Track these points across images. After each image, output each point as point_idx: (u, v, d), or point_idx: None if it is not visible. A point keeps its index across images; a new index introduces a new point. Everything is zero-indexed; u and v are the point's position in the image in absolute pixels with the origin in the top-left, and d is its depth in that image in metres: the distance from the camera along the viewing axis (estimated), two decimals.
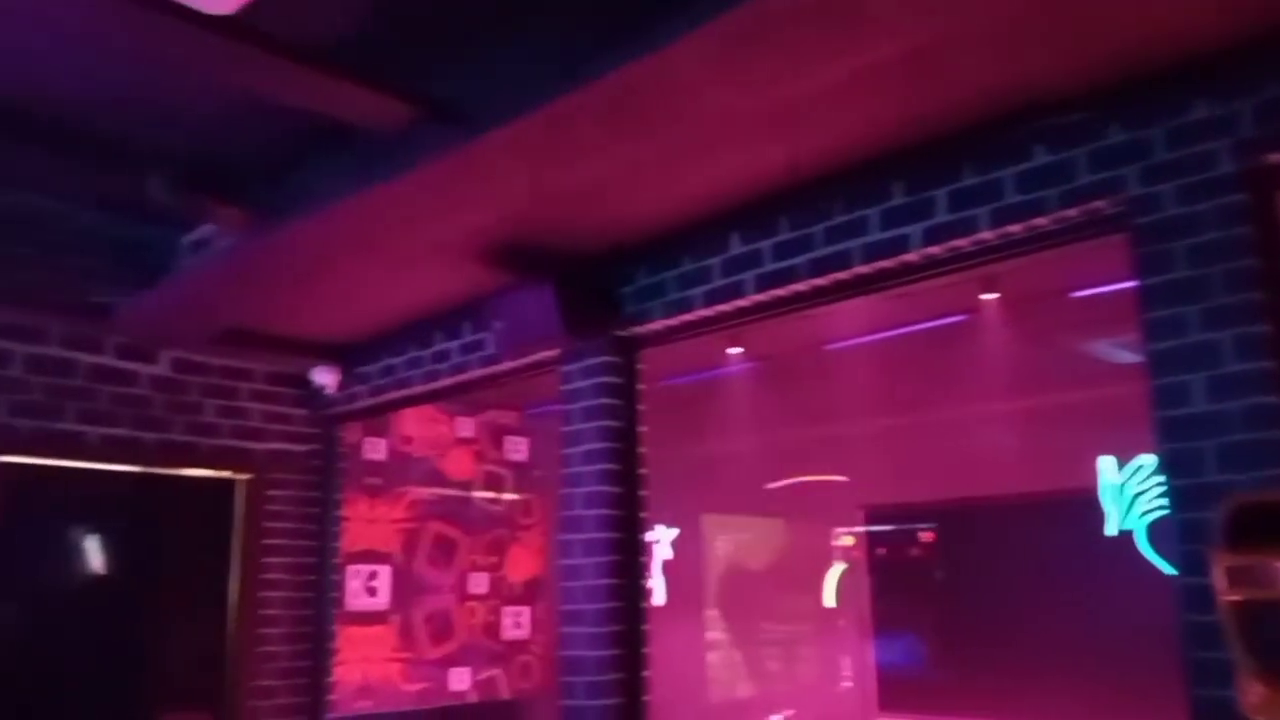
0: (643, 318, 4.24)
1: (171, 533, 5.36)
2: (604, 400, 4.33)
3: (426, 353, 5.29)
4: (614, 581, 4.18)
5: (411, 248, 4.16)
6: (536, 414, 6.89)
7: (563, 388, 4.50)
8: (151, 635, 5.19)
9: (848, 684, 7.56)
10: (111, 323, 4.76)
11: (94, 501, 5.08)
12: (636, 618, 4.22)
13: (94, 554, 5.05)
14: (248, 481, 5.47)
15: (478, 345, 5.01)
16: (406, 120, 3.29)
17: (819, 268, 3.66)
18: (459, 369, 5.11)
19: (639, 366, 4.44)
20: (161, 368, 5.14)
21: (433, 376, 5.27)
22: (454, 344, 5.15)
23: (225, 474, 5.43)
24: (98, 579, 5.04)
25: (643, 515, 4.34)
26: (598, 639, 4.12)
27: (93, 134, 4.05)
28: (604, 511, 4.23)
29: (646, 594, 4.31)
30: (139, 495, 5.22)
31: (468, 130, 3.15)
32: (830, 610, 7.79)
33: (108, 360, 4.95)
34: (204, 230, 4.75)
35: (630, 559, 4.25)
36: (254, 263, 4.24)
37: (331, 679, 5.61)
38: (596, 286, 4.31)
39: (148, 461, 5.11)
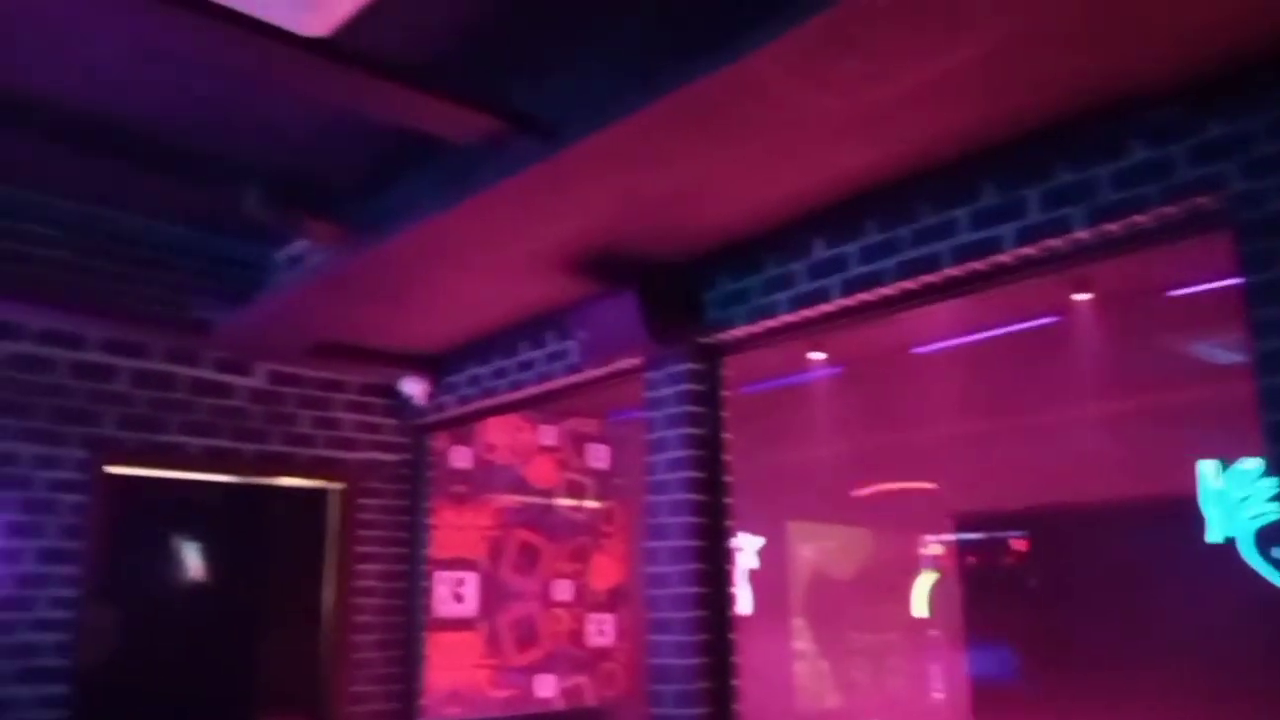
0: (726, 324, 4.23)
1: (268, 541, 5.54)
2: (688, 407, 4.33)
3: (511, 362, 5.37)
4: (700, 590, 4.17)
5: (497, 259, 4.23)
6: (617, 421, 6.93)
7: (646, 395, 4.52)
8: (250, 640, 5.36)
9: (938, 695, 7.41)
10: (210, 337, 4.95)
11: (195, 510, 5.28)
12: (724, 626, 4.21)
13: (195, 561, 5.24)
14: (341, 490, 5.61)
15: (561, 354, 5.06)
16: (493, 134, 3.35)
17: (907, 271, 3.61)
18: (544, 378, 5.17)
19: (723, 373, 4.44)
20: (258, 380, 5.32)
21: (518, 385, 5.34)
22: (538, 353, 5.21)
23: (319, 483, 5.58)
24: (199, 585, 5.23)
25: (728, 523, 4.33)
26: (685, 647, 4.12)
27: (191, 153, 4.24)
28: (689, 519, 4.23)
29: (733, 602, 4.29)
30: (237, 504, 5.41)
31: (553, 142, 3.21)
32: (920, 620, 7.65)
33: (207, 374, 5.14)
34: (298, 246, 4.93)
35: (716, 567, 4.24)
36: (347, 277, 4.36)
37: (423, 685, 5.71)
38: (680, 293, 4.32)
39: (246, 471, 5.29)
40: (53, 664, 4.47)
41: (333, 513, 5.60)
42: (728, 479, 4.35)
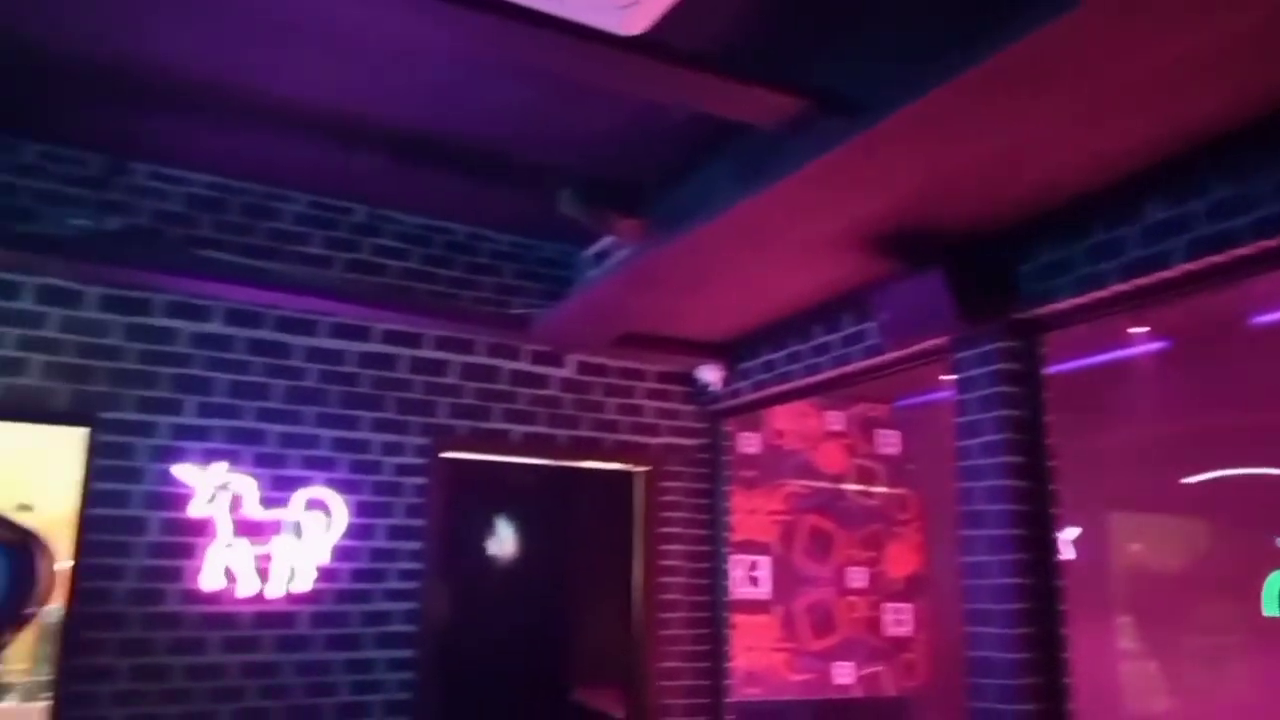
0: (1045, 298, 3.97)
1: (580, 519, 5.86)
2: (1002, 388, 4.11)
3: (806, 346, 5.34)
4: (1022, 581, 3.95)
5: (795, 242, 4.18)
6: (907, 406, 6.72)
7: (956, 376, 4.33)
8: (565, 613, 5.71)
9: None
10: (528, 333, 5.31)
11: (516, 491, 5.68)
12: (1052, 620, 3.96)
13: (516, 538, 5.64)
14: (645, 473, 5.84)
15: (859, 336, 4.97)
16: (795, 116, 3.33)
17: (1266, 229, 3.21)
18: (840, 361, 5.10)
19: (1041, 351, 4.17)
20: (569, 371, 5.64)
21: (813, 370, 5.30)
22: (834, 336, 5.14)
23: (625, 466, 5.84)
24: (520, 560, 5.63)
25: (1053, 512, 4.06)
26: (1008, 641, 3.91)
27: (510, 161, 4.55)
28: (1008, 507, 4.01)
29: (1062, 596, 4.02)
30: (552, 486, 5.76)
31: (863, 118, 3.13)
32: (1272, 620, 6.82)
33: (525, 366, 5.52)
34: (603, 243, 5.17)
35: (1040, 557, 4.00)
36: (649, 270, 4.49)
37: (729, 664, 5.83)
38: (991, 267, 4.10)
39: (559, 455, 5.62)
40: (402, 629, 4.97)
41: (638, 494, 5.83)
42: (1050, 465, 4.09)
